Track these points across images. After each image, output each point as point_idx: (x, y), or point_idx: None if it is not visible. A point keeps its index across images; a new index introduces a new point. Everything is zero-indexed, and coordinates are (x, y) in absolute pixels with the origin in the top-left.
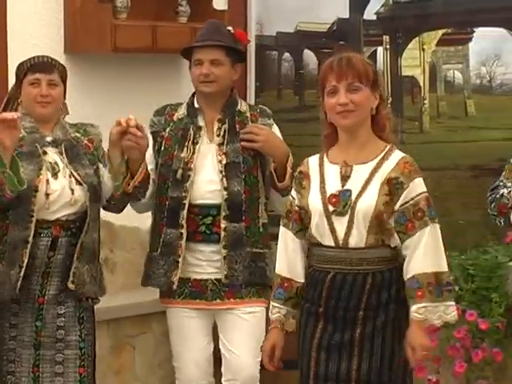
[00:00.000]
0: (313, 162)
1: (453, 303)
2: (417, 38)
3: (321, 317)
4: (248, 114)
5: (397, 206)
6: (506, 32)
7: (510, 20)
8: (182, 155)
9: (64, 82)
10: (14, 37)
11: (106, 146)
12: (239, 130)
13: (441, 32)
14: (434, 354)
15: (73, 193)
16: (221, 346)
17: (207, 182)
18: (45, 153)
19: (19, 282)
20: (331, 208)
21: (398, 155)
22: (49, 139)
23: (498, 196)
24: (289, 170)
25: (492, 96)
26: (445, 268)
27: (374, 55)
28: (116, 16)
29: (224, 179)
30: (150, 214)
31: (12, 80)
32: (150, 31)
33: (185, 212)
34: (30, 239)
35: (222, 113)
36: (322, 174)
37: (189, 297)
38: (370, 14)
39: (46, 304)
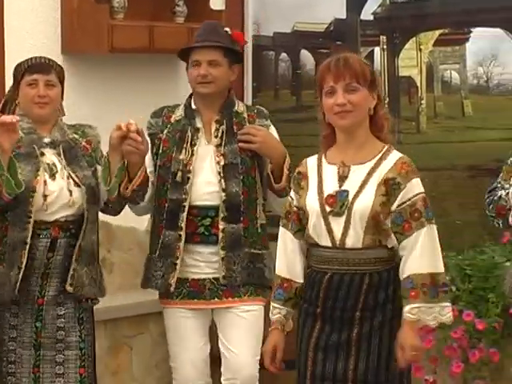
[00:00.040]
0: (311, 162)
1: (448, 304)
2: (414, 39)
3: (318, 317)
4: (245, 115)
5: (394, 207)
6: (502, 32)
7: (507, 20)
8: (181, 157)
9: (62, 82)
10: (11, 34)
11: (103, 146)
12: (237, 131)
13: (438, 32)
14: (431, 354)
15: (71, 194)
16: (220, 345)
17: (206, 183)
18: (42, 154)
19: (18, 283)
20: (328, 208)
21: (395, 155)
22: (46, 140)
23: (495, 198)
24: (285, 171)
25: (489, 96)
26: (441, 269)
27: (371, 55)
28: (113, 16)
29: (222, 180)
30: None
31: (9, 80)
32: (146, 31)
33: (185, 214)
34: (29, 240)
35: (220, 114)
36: (320, 175)
37: (187, 297)
38: (367, 14)
39: (45, 305)
